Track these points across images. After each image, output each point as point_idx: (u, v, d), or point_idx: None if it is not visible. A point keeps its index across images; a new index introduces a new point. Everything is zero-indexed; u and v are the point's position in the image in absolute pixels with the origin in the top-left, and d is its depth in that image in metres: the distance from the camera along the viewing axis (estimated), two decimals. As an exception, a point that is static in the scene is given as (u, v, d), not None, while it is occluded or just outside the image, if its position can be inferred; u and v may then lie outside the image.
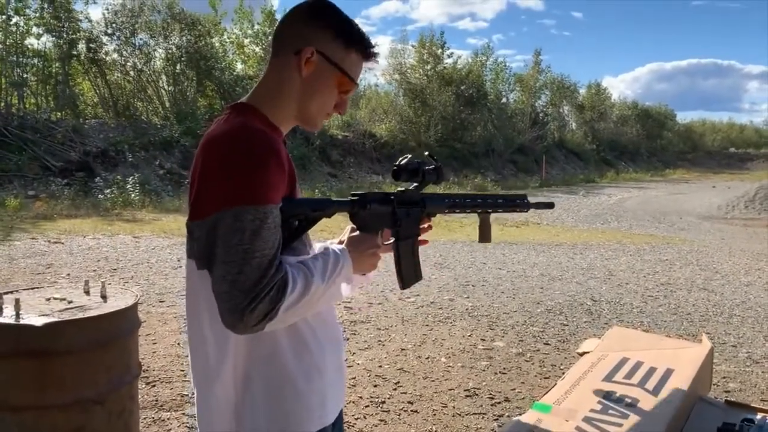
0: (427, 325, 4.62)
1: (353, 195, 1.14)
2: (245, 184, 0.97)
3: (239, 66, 20.35)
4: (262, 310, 0.94)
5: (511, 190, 20.16)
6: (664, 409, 1.21)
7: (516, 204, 1.42)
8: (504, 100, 29.99)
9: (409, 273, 1.23)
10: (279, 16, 20.86)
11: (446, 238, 9.13)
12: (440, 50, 26.01)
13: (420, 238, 1.29)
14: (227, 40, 20.26)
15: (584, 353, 1.53)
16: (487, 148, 25.32)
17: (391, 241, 1.20)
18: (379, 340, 4.25)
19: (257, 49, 20.24)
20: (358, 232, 1.18)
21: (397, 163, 1.18)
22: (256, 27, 20.47)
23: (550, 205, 1.47)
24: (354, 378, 3.52)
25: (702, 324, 4.81)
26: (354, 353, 3.95)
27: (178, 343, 4.06)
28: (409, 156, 1.19)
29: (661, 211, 15.08)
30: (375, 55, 1.16)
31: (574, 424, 1.15)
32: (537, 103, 32.40)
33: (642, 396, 1.27)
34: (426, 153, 1.23)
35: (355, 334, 4.35)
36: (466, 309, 5.10)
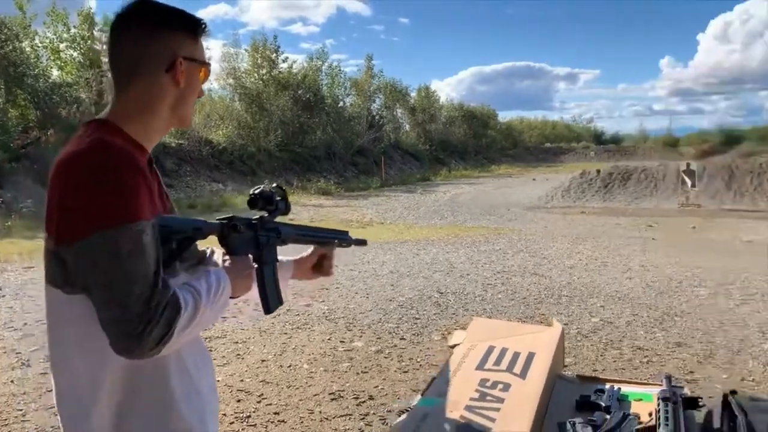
0: (285, 334, 4.58)
1: (221, 219, 1.15)
2: (114, 203, 0.92)
3: (55, 72, 18.52)
4: (159, 332, 0.90)
5: (354, 192, 20.57)
6: (533, 389, 1.34)
7: (343, 239, 1.54)
8: (341, 104, 30.50)
9: (273, 297, 1.26)
10: (99, 19, 19.31)
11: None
12: (274, 54, 25.83)
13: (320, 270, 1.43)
14: (39, 45, 18.34)
15: (454, 345, 1.63)
16: (327, 152, 25.59)
17: (255, 266, 1.22)
18: (238, 354, 4.13)
19: (75, 54, 18.58)
20: (233, 258, 1.18)
21: (252, 191, 1.21)
22: (73, 31, 18.77)
23: (363, 242, 1.65)
24: (216, 396, 3.40)
25: (537, 306, 5.28)
26: (213, 370, 3.81)
27: (12, 381, 3.64)
28: (262, 185, 1.23)
29: (491, 204, 16.27)
30: (206, 27, 1.16)
31: (459, 414, 1.22)
32: (372, 106, 33.34)
33: (512, 380, 1.38)
34: (274, 185, 1.26)
35: (211, 350, 4.19)
36: (323, 313, 5.14)
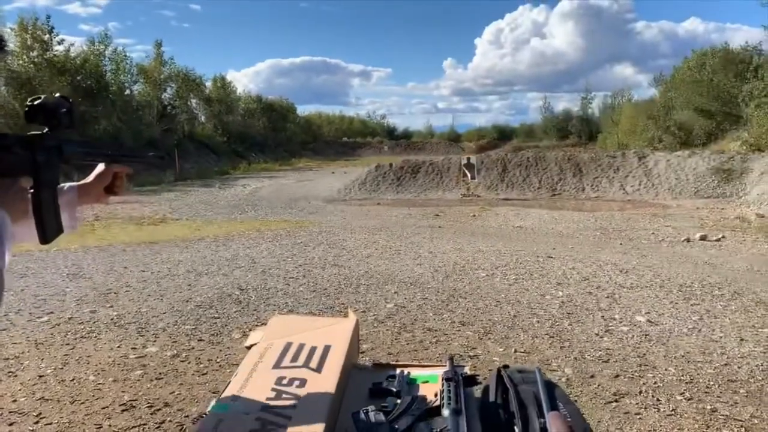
0: (67, 344, 4.13)
1: None
2: None
3: None
4: None
5: (144, 186, 19.24)
6: (328, 382, 1.36)
7: (144, 158, 1.46)
8: (128, 92, 28.33)
9: (50, 224, 1.10)
10: None
11: (78, 244, 8.25)
12: (47, 35, 23.12)
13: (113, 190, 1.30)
14: None
15: (252, 345, 1.60)
16: (114, 143, 23.65)
17: (31, 190, 1.06)
18: (9, 372, 3.63)
19: None
20: None
21: (30, 102, 1.06)
22: None
23: (162, 157, 1.60)
24: (-21, 423, 2.96)
25: (337, 296, 5.42)
26: (-26, 394, 3.31)
27: None
28: (43, 96, 1.07)
29: (292, 198, 16.33)
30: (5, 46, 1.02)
31: (254, 416, 1.20)
32: (163, 95, 31.49)
33: (308, 375, 1.39)
34: (57, 94, 1.12)
35: (-28, 371, 3.64)
36: (111, 319, 4.73)
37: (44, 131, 1.08)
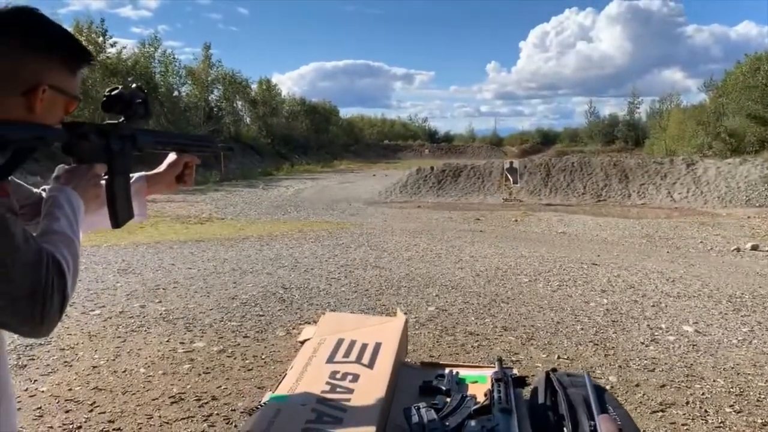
0: (119, 337, 4.29)
1: (66, 123, 1.03)
2: None
3: None
4: (57, 301, 0.85)
5: (191, 186, 19.68)
6: (380, 378, 1.40)
7: (209, 145, 1.53)
8: (176, 93, 29.06)
9: (123, 210, 1.16)
10: None
11: (127, 241, 8.52)
12: (101, 38, 23.93)
13: (183, 179, 1.36)
14: None
15: (305, 341, 1.65)
16: (183, 134, 24.32)
17: (106, 177, 1.12)
18: (65, 362, 3.80)
19: None
20: (72, 165, 1.07)
21: (107, 92, 1.10)
22: None
23: (231, 148, 1.68)
24: (40, 408, 3.10)
25: (378, 298, 5.46)
26: (36, 380, 3.46)
27: None
28: (120, 87, 1.12)
29: (334, 199, 16.48)
30: (93, 59, 1.08)
31: (311, 407, 1.25)
32: (210, 97, 32.20)
33: (361, 370, 1.43)
34: (133, 85, 1.17)
35: (33, 359, 3.80)
36: (160, 314, 4.88)
37: (120, 120, 1.14)
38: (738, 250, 8.77)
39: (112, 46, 24.60)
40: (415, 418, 1.22)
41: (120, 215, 1.15)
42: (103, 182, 1.12)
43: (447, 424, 1.25)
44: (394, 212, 13.59)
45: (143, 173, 1.38)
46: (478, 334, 4.41)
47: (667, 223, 12.18)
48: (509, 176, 17.87)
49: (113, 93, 1.10)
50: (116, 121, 1.13)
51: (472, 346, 4.15)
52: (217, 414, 3.14)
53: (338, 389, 1.33)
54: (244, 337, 4.36)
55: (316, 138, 44.07)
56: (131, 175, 1.26)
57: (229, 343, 4.22)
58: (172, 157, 1.40)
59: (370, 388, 1.34)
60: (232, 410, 3.17)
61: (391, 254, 7.71)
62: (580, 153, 36.95)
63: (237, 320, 4.75)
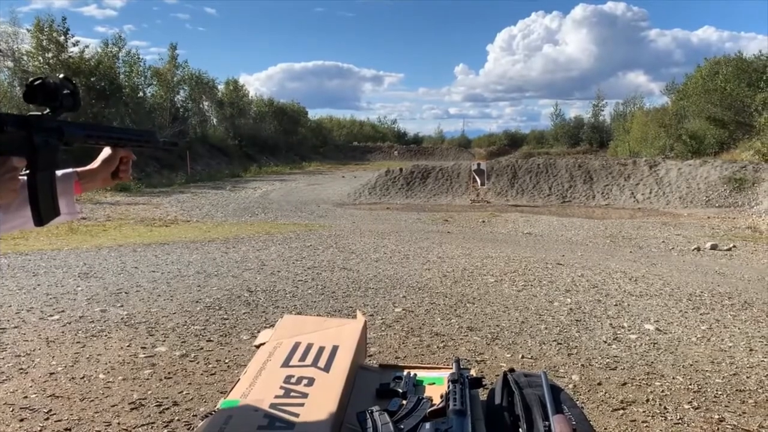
0: (78, 343, 4.18)
1: None
2: None
3: None
4: None
5: (156, 188, 19.37)
6: (335, 382, 1.38)
7: (149, 140, 1.41)
8: (141, 94, 28.57)
9: (47, 208, 1.10)
10: None
11: (89, 244, 8.33)
12: (63, 37, 23.38)
13: (119, 175, 1.28)
14: None
15: (261, 345, 1.62)
16: (120, 127, 23.89)
17: (26, 172, 1.05)
18: (21, 368, 3.68)
19: None
20: None
21: (29, 82, 1.04)
22: None
23: (175, 144, 1.56)
24: (-9, 418, 3.00)
25: (345, 300, 5.43)
26: (-13, 390, 3.35)
27: None
28: (44, 76, 1.05)
29: (302, 201, 16.38)
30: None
31: (263, 413, 1.22)
32: (176, 98, 31.73)
33: (316, 374, 1.41)
34: (61, 75, 1.11)
35: (-15, 367, 3.68)
36: (122, 318, 4.77)
37: (44, 112, 1.08)
38: (698, 249, 8.98)
39: (74, 45, 24.06)
40: (368, 423, 1.21)
41: (44, 213, 1.09)
42: (24, 178, 1.06)
43: (401, 427, 1.23)
44: (363, 214, 13.56)
45: (74, 169, 1.31)
46: (443, 335, 4.41)
47: (630, 223, 12.42)
48: (477, 178, 18.00)
49: (35, 83, 1.04)
50: (39, 114, 1.07)
51: (437, 347, 4.16)
52: (178, 420, 3.08)
53: (292, 393, 1.31)
54: (207, 341, 4.29)
55: (284, 139, 43.74)
56: (60, 171, 1.19)
57: (191, 348, 4.14)
58: (107, 152, 1.33)
59: (325, 392, 1.32)
60: (193, 416, 3.11)
61: (359, 256, 7.69)
62: (546, 155, 37.46)
63: (200, 324, 4.68)
